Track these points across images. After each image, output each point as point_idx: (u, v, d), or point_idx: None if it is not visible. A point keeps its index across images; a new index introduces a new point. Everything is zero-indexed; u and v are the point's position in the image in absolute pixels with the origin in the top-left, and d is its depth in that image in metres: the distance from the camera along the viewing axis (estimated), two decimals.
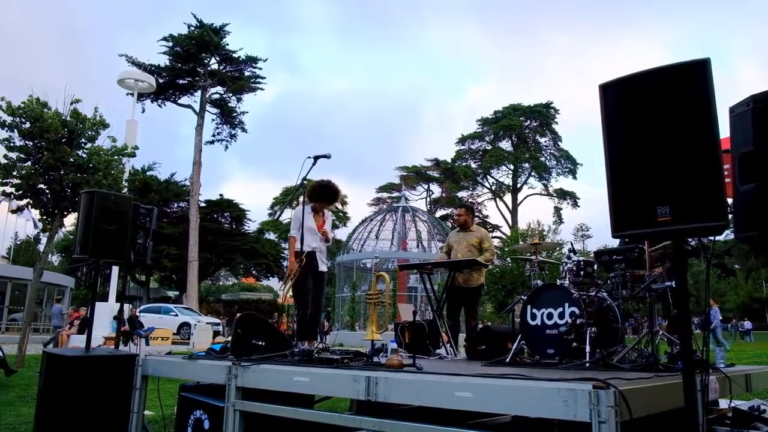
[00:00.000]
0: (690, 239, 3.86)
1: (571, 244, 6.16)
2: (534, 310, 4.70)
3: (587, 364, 4.02)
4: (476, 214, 52.60)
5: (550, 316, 4.59)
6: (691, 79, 2.57)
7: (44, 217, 11.86)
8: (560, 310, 4.52)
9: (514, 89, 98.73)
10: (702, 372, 2.82)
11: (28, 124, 11.03)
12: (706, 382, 2.82)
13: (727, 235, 3.08)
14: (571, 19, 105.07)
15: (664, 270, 4.43)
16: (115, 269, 18.07)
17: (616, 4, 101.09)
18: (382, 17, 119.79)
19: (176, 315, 26.38)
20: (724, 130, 2.69)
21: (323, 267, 5.82)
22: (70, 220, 14.19)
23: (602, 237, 52.55)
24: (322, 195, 5.80)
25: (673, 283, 4.12)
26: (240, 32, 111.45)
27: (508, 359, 4.61)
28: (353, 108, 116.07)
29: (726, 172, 2.67)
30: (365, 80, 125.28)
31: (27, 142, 11.16)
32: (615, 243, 5.18)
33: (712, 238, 2.91)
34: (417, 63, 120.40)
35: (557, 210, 55.23)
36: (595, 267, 5.06)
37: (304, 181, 5.40)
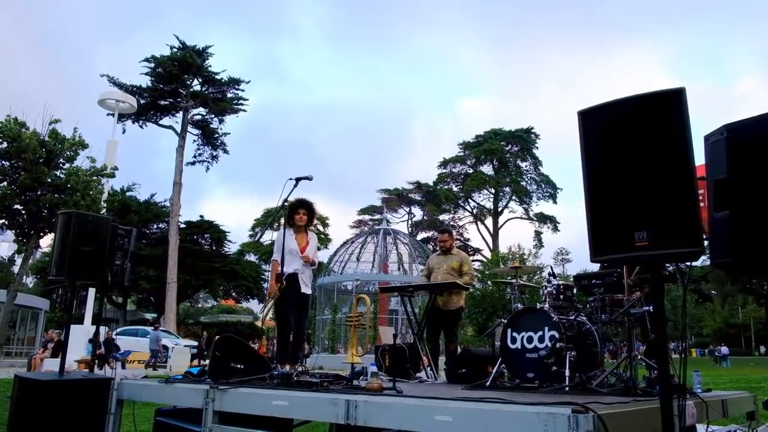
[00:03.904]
0: (667, 265, 3.92)
1: (551, 268, 6.20)
2: (514, 334, 4.71)
3: (567, 388, 4.02)
4: (457, 237, 52.92)
5: (530, 339, 4.60)
6: (668, 107, 2.64)
7: (20, 238, 11.67)
8: (540, 333, 4.54)
9: (506, 106, 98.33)
10: (679, 397, 2.84)
11: (5, 144, 10.90)
12: (684, 407, 2.84)
13: (704, 260, 3.13)
14: (569, 35, 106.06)
15: (643, 295, 4.47)
16: (92, 291, 17.75)
17: (611, 22, 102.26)
18: (376, 26, 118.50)
19: None
20: (701, 157, 2.76)
21: (306, 289, 5.76)
22: (46, 242, 13.99)
23: (582, 261, 53.03)
24: (297, 205, 5.77)
25: (651, 308, 4.16)
26: (226, 38, 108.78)
27: (488, 383, 4.59)
28: (340, 120, 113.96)
29: (702, 199, 2.73)
30: (354, 91, 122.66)
31: (3, 162, 11.02)
32: (595, 267, 5.24)
33: (688, 263, 2.95)
34: (409, 75, 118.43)
35: (537, 234, 55.66)
36: (575, 291, 5.10)
37: (285, 203, 5.40)
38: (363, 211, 55.69)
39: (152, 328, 25.07)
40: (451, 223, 55.13)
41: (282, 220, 5.84)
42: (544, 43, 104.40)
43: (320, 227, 46.95)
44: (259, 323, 39.16)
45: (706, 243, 2.69)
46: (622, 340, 5.04)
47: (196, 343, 26.18)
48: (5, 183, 11.08)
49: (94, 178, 12.21)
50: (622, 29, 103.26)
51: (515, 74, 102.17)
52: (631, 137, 2.73)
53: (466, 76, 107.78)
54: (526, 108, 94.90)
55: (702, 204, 2.67)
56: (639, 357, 4.49)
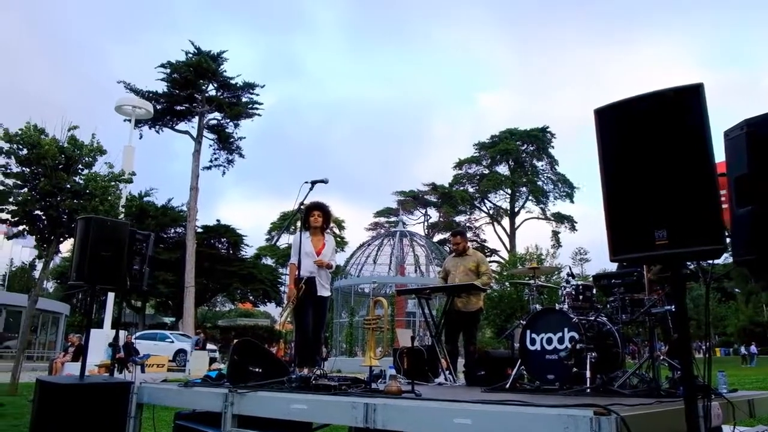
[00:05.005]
0: (689, 263, 3.87)
1: (570, 268, 6.15)
2: (533, 335, 4.68)
3: (588, 390, 3.99)
4: (474, 238, 52.68)
5: (549, 341, 4.57)
6: (686, 103, 2.61)
7: (40, 244, 11.83)
8: (560, 334, 4.50)
9: (526, 101, 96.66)
10: (704, 397, 2.80)
11: (25, 151, 11.07)
12: (709, 408, 2.80)
13: (726, 258, 3.09)
14: (592, 27, 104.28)
15: (664, 294, 4.42)
16: (111, 295, 17.98)
17: (635, 14, 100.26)
18: (392, 21, 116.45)
19: (172, 341, 26.16)
20: (721, 154, 2.72)
21: (324, 292, 5.77)
22: (66, 247, 14.17)
23: (601, 261, 52.48)
24: (312, 207, 5.79)
25: (673, 307, 4.11)
26: (241, 34, 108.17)
27: (507, 385, 4.56)
28: (355, 119, 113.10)
29: (723, 197, 2.69)
30: (370, 89, 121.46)
31: (24, 168, 11.18)
32: (614, 267, 5.19)
33: (710, 261, 2.91)
34: (426, 71, 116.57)
35: (555, 234, 55.27)
36: (594, 291, 5.06)
37: (302, 206, 5.42)
38: (379, 214, 55.73)
39: (197, 331, 27.74)
40: (468, 225, 54.96)
41: (298, 224, 5.86)
42: (566, 36, 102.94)
43: (336, 230, 47.08)
44: (277, 326, 39.35)
45: (727, 240, 2.65)
46: (643, 340, 4.99)
47: (214, 347, 26.40)
48: (26, 189, 11.24)
49: (112, 183, 12.33)
50: (647, 21, 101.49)
51: (535, 69, 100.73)
52: (649, 135, 2.70)
53: (485, 71, 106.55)
54: (547, 103, 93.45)
55: (723, 199, 2.64)
56: (661, 357, 4.43)
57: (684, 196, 2.56)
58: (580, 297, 4.88)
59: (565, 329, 4.48)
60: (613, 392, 3.83)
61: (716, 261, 2.82)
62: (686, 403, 2.56)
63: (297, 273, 5.47)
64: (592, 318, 4.66)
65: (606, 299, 4.93)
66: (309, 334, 5.59)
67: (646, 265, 4.54)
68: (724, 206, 2.72)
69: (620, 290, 4.63)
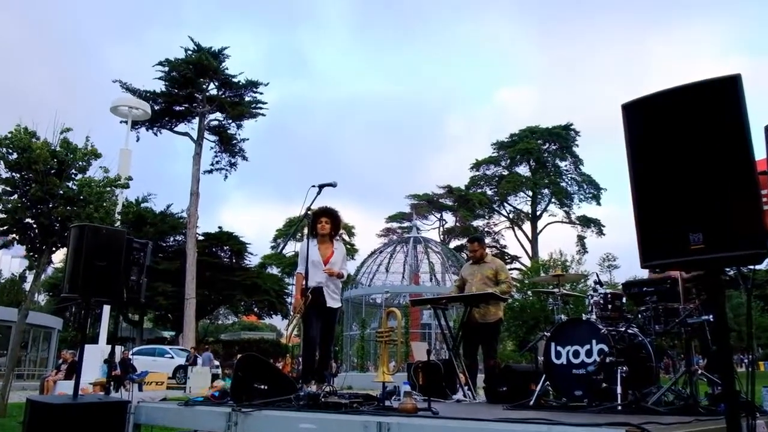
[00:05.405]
0: (727, 269, 3.83)
1: (597, 276, 6.12)
2: (559, 348, 4.65)
3: (619, 407, 3.96)
4: (493, 244, 52.52)
5: (576, 354, 4.54)
6: (722, 96, 2.58)
7: (31, 254, 11.91)
8: (587, 347, 4.48)
9: (548, 97, 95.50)
10: (748, 415, 2.76)
11: (15, 155, 11.15)
12: (754, 427, 2.76)
13: None
14: (616, 21, 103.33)
15: (701, 302, 4.38)
16: (107, 308, 18.07)
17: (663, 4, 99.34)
18: (405, 14, 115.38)
19: (172, 357, 26.26)
20: (762, 151, 2.69)
21: (333, 303, 5.75)
22: (58, 257, 14.27)
23: (631, 267, 52.08)
24: (319, 213, 5.79)
25: (711, 317, 4.07)
26: (244, 30, 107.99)
27: (531, 402, 4.54)
28: (365, 118, 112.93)
29: (765, 197, 2.66)
30: (382, 84, 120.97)
31: (14, 174, 11.26)
32: (645, 273, 5.15)
33: (751, 267, 2.88)
34: (442, 67, 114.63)
35: (581, 239, 54.94)
36: (624, 300, 5.03)
37: (308, 212, 5.42)
38: (391, 219, 55.76)
39: (203, 347, 28.05)
40: (486, 230, 54.82)
41: (305, 230, 5.86)
42: (589, 29, 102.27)
43: (346, 236, 47.17)
44: (283, 340, 39.45)
45: None
46: (679, 353, 4.95)
47: (217, 363, 26.47)
48: (16, 196, 11.33)
49: (108, 189, 12.40)
50: (680, 7, 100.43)
51: (558, 63, 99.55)
52: (681, 131, 2.68)
53: (503, 66, 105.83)
54: (571, 99, 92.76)
55: (764, 200, 2.60)
56: (699, 371, 4.39)
57: (721, 197, 2.53)
58: (609, 306, 4.85)
59: (594, 341, 4.45)
60: (647, 410, 3.79)
61: (758, 267, 2.78)
62: (728, 421, 2.52)
63: (304, 283, 5.47)
64: (623, 329, 4.62)
65: (637, 309, 4.90)
66: (317, 348, 5.59)
67: (680, 271, 4.50)
68: (766, 207, 2.69)
69: (653, 299, 4.60)
